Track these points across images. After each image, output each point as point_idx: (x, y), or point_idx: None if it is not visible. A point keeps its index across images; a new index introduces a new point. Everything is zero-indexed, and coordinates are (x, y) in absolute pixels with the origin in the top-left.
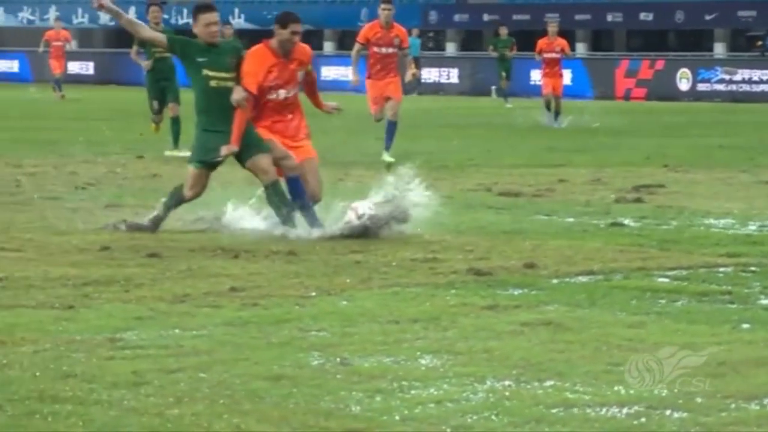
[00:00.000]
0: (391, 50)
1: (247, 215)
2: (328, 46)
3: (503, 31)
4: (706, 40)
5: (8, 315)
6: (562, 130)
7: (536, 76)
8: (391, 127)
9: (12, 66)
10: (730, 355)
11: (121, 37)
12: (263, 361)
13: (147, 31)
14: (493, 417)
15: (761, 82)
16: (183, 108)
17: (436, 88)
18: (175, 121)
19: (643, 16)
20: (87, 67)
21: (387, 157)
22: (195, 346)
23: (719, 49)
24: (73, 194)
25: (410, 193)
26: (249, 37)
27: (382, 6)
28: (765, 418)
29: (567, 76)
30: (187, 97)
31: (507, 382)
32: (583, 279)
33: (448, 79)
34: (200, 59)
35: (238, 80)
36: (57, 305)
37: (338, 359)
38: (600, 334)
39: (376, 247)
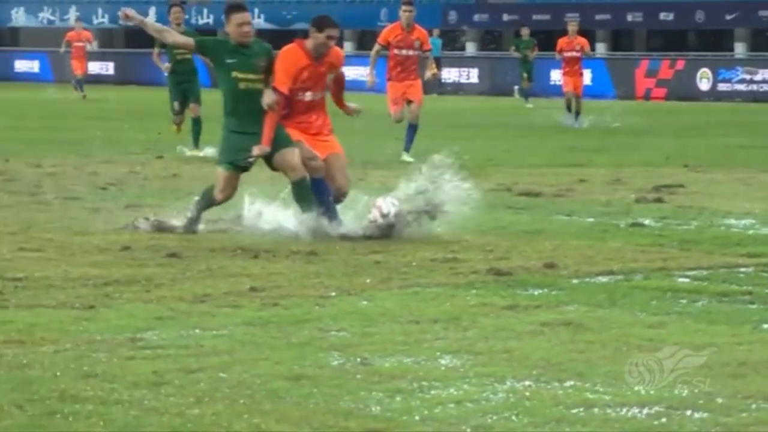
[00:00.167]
0: (411, 53)
1: (266, 210)
2: (348, 47)
3: (525, 32)
4: (726, 40)
5: (29, 315)
6: (582, 130)
7: (556, 76)
8: (412, 130)
9: (33, 66)
10: (750, 355)
11: (142, 37)
12: (283, 361)
13: (174, 36)
14: (513, 417)
15: None
16: (204, 108)
17: (456, 88)
18: (197, 122)
19: (663, 15)
20: (107, 68)
21: (406, 158)
22: (215, 346)
23: (740, 49)
24: (93, 194)
25: (444, 185)
26: (268, 38)
27: (403, 8)
28: None
29: (588, 76)
30: (208, 97)
31: (527, 383)
32: (603, 279)
33: (468, 79)
34: (229, 60)
35: (267, 82)
36: (77, 305)
37: (358, 359)
38: (620, 334)
39: (396, 248)
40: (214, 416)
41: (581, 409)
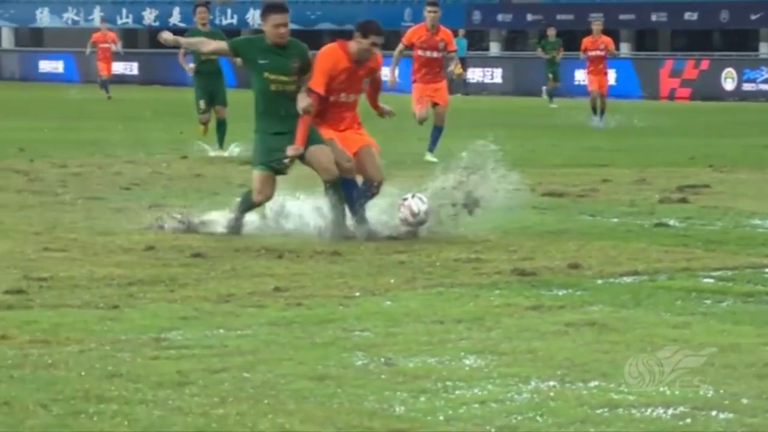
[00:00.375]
0: (436, 54)
1: (289, 207)
2: None
3: (551, 32)
4: (751, 40)
5: (53, 315)
6: (606, 130)
7: (580, 75)
8: (436, 132)
9: (57, 66)
10: None
11: None
12: (307, 361)
13: (209, 45)
14: (538, 418)
15: None
16: (229, 109)
17: (480, 88)
18: (222, 124)
19: (687, 15)
20: (131, 68)
21: (430, 158)
22: (239, 346)
23: (765, 49)
24: (117, 194)
25: (487, 176)
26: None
27: (428, 9)
28: None
29: (614, 76)
30: (233, 97)
31: (551, 383)
32: (627, 279)
33: (492, 79)
34: (262, 61)
35: (300, 83)
36: (102, 305)
37: (382, 359)
38: (645, 334)
39: (420, 248)
40: (238, 416)
41: (606, 410)
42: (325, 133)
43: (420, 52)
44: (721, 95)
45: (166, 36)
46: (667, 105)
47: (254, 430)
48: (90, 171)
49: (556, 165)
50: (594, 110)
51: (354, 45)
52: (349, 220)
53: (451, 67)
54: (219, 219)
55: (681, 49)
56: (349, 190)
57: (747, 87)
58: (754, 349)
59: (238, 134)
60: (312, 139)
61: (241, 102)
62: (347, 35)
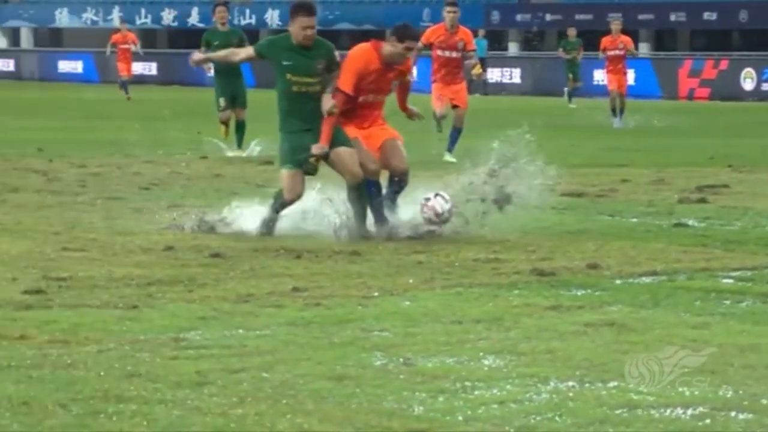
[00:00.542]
0: (454, 54)
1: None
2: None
3: (572, 33)
4: None
5: (73, 315)
6: (624, 130)
7: (599, 75)
8: (455, 133)
9: (76, 67)
10: None
11: (184, 38)
12: (326, 361)
13: (239, 55)
14: (557, 418)
15: None
16: (249, 110)
17: (499, 89)
18: (241, 125)
19: (706, 15)
20: (150, 68)
21: (449, 158)
22: (258, 346)
23: None
24: (136, 194)
25: (519, 169)
26: None
27: (447, 9)
28: None
29: (633, 76)
30: (253, 97)
31: (570, 383)
32: (646, 279)
33: (511, 79)
34: (285, 62)
35: (326, 83)
36: (121, 305)
37: (401, 359)
38: (664, 335)
39: (439, 248)
40: (257, 416)
41: (625, 410)
42: (350, 131)
43: (439, 52)
44: (740, 95)
45: (197, 57)
46: (686, 105)
47: (273, 430)
48: (109, 171)
49: (575, 165)
50: (614, 111)
51: (388, 47)
52: (373, 221)
53: (472, 70)
54: (246, 217)
55: (700, 49)
56: (373, 190)
57: (766, 87)
58: (709, 349)
59: (258, 134)
60: (337, 139)
61: (260, 102)
62: (365, 35)
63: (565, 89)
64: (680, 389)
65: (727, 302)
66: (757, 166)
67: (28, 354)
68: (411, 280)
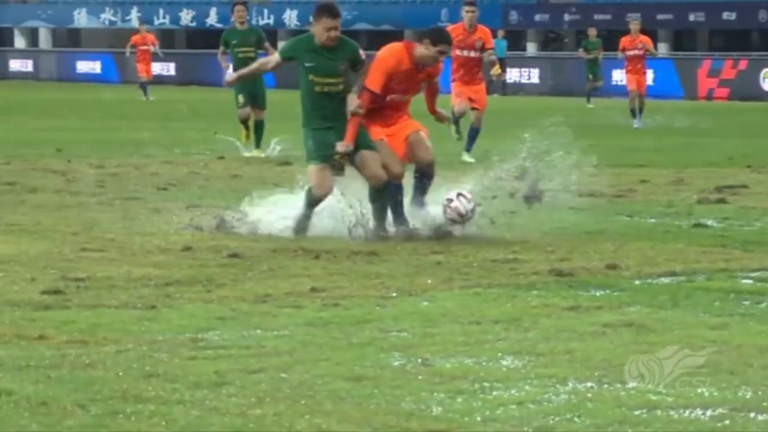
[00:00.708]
0: (473, 54)
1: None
2: None
3: (592, 32)
4: None
5: (91, 315)
6: (643, 130)
7: (618, 75)
8: (473, 133)
9: (94, 67)
10: None
11: (203, 38)
12: (344, 361)
13: (269, 64)
14: (576, 419)
15: None
16: (269, 110)
17: (517, 89)
18: (260, 125)
19: (725, 15)
20: (168, 68)
21: (467, 158)
22: (276, 346)
23: None
24: (154, 195)
25: (553, 163)
26: None
27: (466, 8)
28: None
29: (654, 76)
30: (271, 97)
31: (589, 384)
32: (665, 280)
33: (529, 79)
34: (308, 64)
35: (348, 82)
36: (139, 305)
37: (419, 360)
38: (683, 335)
39: (457, 248)
40: (275, 416)
41: (644, 411)
42: (374, 132)
43: (458, 52)
44: (759, 95)
45: (230, 78)
46: (705, 105)
47: (291, 430)
48: (127, 171)
49: (593, 165)
50: (633, 112)
51: (421, 50)
52: (393, 222)
53: (491, 70)
54: (266, 217)
55: (719, 49)
56: (393, 192)
57: None
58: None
59: (278, 133)
60: (361, 142)
61: (280, 102)
62: (384, 35)
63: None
64: (699, 390)
65: (747, 303)
66: None
67: (46, 354)
68: (429, 281)
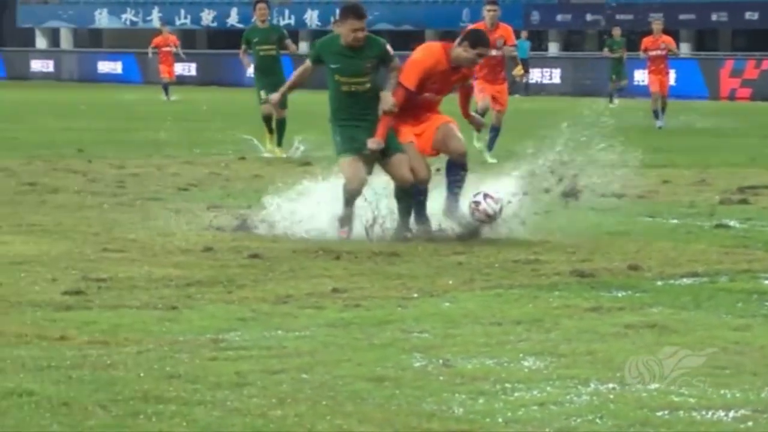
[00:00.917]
0: (494, 52)
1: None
2: None
3: (616, 32)
4: None
5: (112, 315)
6: (665, 131)
7: (640, 76)
8: (495, 132)
9: (115, 67)
10: None
11: (224, 38)
12: (366, 362)
13: (305, 72)
14: (597, 420)
15: None
16: (290, 112)
17: (539, 89)
18: (281, 123)
19: (748, 15)
20: (189, 68)
21: (489, 158)
22: (297, 347)
23: None
24: (175, 195)
25: (595, 158)
26: None
27: (487, 7)
28: None
29: (674, 76)
30: (292, 98)
31: (611, 385)
32: (687, 281)
33: (551, 79)
34: (333, 66)
35: (376, 80)
36: (160, 306)
37: (441, 361)
38: (705, 336)
39: (479, 249)
40: (296, 417)
41: (666, 412)
42: (404, 133)
43: None
44: None
45: (274, 100)
46: (728, 105)
47: (312, 431)
48: (148, 172)
49: (614, 165)
50: (656, 113)
51: (458, 51)
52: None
53: (513, 71)
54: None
55: (741, 49)
56: (419, 197)
57: None
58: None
59: (300, 132)
60: (390, 144)
61: (302, 103)
62: (404, 36)
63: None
64: (722, 391)
65: None
66: None
67: (68, 355)
68: (450, 281)
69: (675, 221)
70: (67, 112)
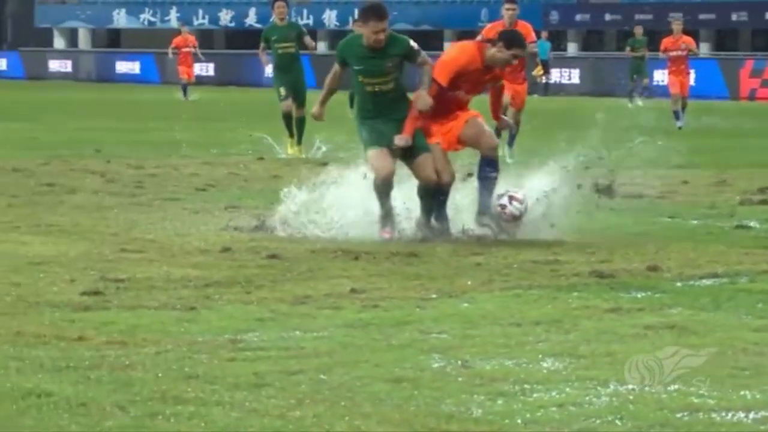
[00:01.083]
0: None
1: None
2: (448, 47)
3: (638, 31)
4: None
5: (130, 316)
6: (684, 131)
7: (659, 76)
8: (512, 131)
9: (133, 67)
10: None
11: (242, 38)
12: (384, 363)
13: (335, 76)
14: (617, 421)
15: None
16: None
17: (558, 89)
18: (300, 121)
19: None
20: (207, 69)
21: (508, 158)
22: (316, 347)
23: None
24: (193, 195)
25: (634, 150)
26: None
27: (506, 6)
28: None
29: (698, 76)
30: (312, 98)
31: (630, 386)
32: (707, 282)
33: (570, 79)
34: (356, 67)
35: (398, 80)
36: (179, 306)
37: (459, 362)
38: (725, 337)
39: (497, 249)
40: (314, 418)
41: (686, 414)
42: (433, 132)
43: None
44: None
45: (317, 113)
46: (748, 105)
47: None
48: (166, 172)
49: (634, 166)
50: (676, 114)
51: (493, 51)
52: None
53: (533, 71)
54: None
55: (761, 49)
56: (440, 197)
57: None
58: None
59: (320, 132)
60: (418, 144)
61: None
62: (423, 35)
63: (637, 90)
64: (742, 392)
65: None
66: None
67: (86, 355)
68: (469, 282)
69: (695, 222)
70: (85, 112)
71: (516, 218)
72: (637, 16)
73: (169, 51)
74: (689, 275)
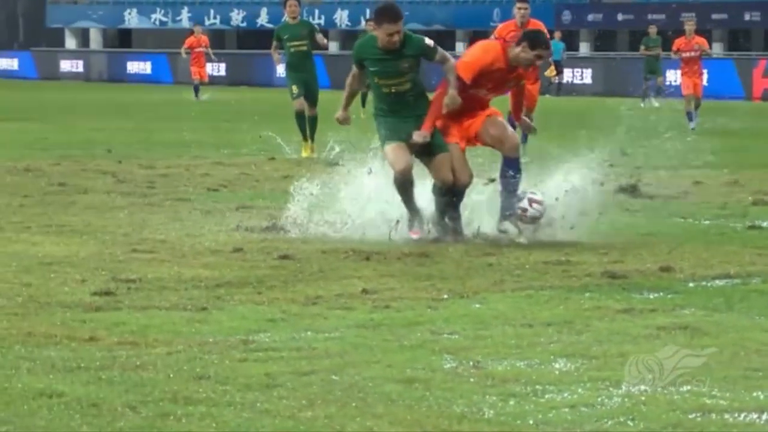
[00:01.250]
0: None
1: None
2: (460, 47)
3: (652, 30)
4: None
5: (142, 316)
6: (697, 131)
7: (671, 76)
8: (523, 132)
9: (145, 68)
10: None
11: (254, 38)
12: (395, 363)
13: (355, 77)
14: (629, 422)
15: None
16: (323, 112)
17: (570, 89)
18: (313, 120)
19: None
20: (219, 69)
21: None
22: (327, 348)
23: None
24: (205, 196)
25: (661, 147)
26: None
27: (518, 5)
28: None
29: (712, 77)
30: (324, 97)
31: (642, 387)
32: (720, 282)
33: (582, 79)
34: (372, 69)
35: (414, 80)
36: (190, 307)
37: (471, 362)
38: (737, 338)
39: (509, 250)
40: (326, 419)
41: (698, 415)
42: (452, 132)
43: None
44: None
45: (342, 118)
46: (761, 106)
47: None
48: (177, 172)
49: (646, 166)
50: (689, 115)
51: (517, 51)
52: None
53: (546, 72)
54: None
55: None
56: (454, 197)
57: None
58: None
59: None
60: (436, 142)
61: (335, 103)
62: (434, 35)
63: (653, 91)
64: (754, 393)
65: None
66: None
67: (97, 356)
68: (481, 283)
69: (707, 222)
70: (96, 112)
71: (534, 219)
72: (650, 16)
73: (182, 51)
74: (702, 276)
